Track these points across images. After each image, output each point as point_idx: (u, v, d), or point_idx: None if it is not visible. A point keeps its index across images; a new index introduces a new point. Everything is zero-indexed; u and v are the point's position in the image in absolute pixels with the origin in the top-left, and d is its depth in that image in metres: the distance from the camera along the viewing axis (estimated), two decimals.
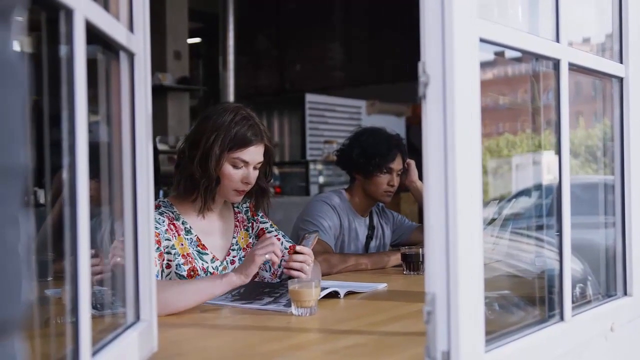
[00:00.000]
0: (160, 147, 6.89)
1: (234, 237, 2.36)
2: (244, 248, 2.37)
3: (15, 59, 0.58)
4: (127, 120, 1.35)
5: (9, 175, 0.55)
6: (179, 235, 2.20)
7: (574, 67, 1.56)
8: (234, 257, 2.33)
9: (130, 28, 1.34)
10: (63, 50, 1.00)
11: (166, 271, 2.14)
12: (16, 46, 0.59)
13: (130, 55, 1.34)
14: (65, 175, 1.00)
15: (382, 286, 2.35)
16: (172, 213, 2.23)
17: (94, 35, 1.10)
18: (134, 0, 1.36)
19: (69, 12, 0.99)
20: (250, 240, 2.40)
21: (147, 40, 1.39)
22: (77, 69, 1.00)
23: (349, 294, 2.18)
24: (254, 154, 2.22)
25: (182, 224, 2.24)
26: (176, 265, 2.16)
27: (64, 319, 1.38)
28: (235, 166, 2.20)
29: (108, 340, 1.20)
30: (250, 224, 2.42)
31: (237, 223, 2.39)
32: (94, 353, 1.08)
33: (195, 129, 2.26)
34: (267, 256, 1.99)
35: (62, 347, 1.05)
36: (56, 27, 1.00)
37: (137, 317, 1.36)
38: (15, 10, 0.59)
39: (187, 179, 2.22)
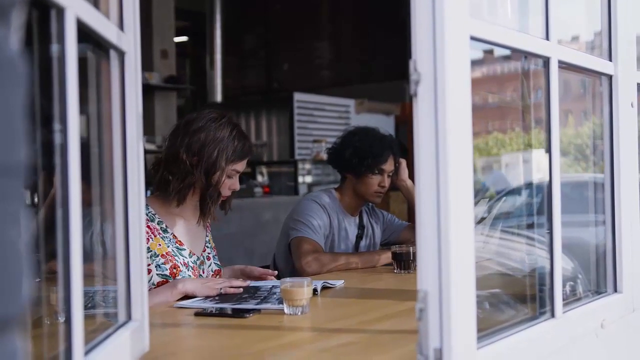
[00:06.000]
0: (147, 146, 6.84)
1: (207, 236, 2.45)
2: (213, 247, 2.47)
3: (16, 57, 0.58)
4: (117, 120, 1.34)
5: (11, 174, 0.56)
6: (155, 236, 2.21)
7: (563, 65, 1.56)
8: (208, 253, 2.42)
9: (121, 26, 1.34)
10: (54, 48, 0.99)
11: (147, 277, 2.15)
12: (16, 44, 0.59)
13: (121, 54, 1.33)
14: (57, 175, 1.00)
15: (339, 283, 2.37)
16: (147, 214, 2.23)
17: (84, 34, 1.09)
18: None
19: (60, 11, 0.98)
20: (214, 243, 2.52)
21: (137, 39, 1.39)
22: (69, 68, 0.99)
23: (323, 289, 2.22)
24: (245, 164, 2.34)
25: (158, 224, 2.26)
26: (156, 266, 2.17)
27: (53, 319, 1.38)
28: (229, 177, 2.29)
29: (100, 340, 1.19)
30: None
31: (207, 223, 2.47)
32: (86, 352, 1.07)
33: (189, 135, 2.25)
34: (221, 290, 2.11)
35: (52, 347, 1.05)
36: (46, 25, 0.99)
37: (129, 317, 1.36)
38: (15, 8, 0.59)
39: (187, 187, 2.25)
